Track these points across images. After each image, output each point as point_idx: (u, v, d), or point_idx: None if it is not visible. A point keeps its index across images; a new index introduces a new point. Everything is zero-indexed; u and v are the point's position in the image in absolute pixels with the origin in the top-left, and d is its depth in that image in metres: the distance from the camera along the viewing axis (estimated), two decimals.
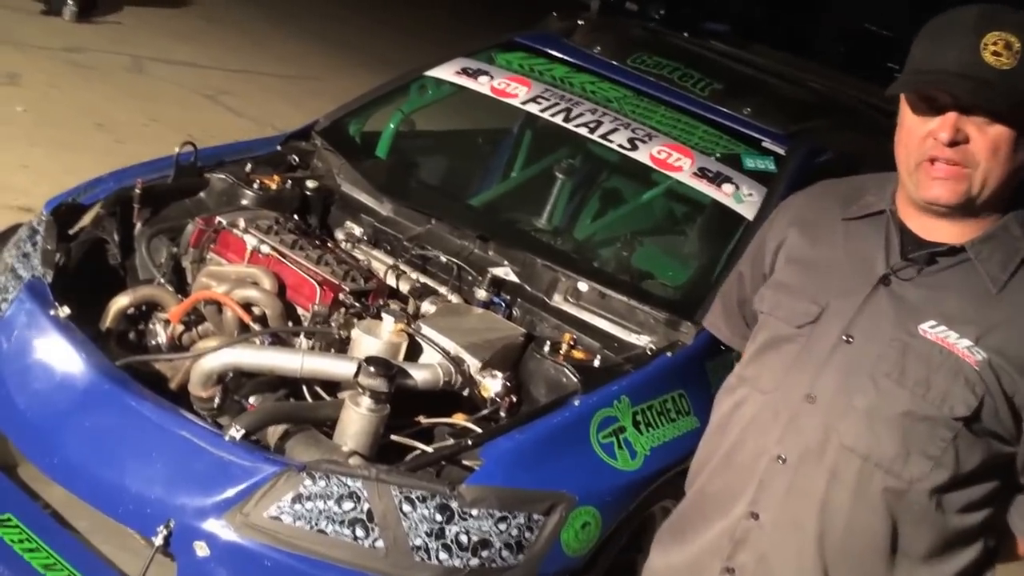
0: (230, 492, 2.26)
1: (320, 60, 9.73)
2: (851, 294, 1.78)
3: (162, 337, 2.80)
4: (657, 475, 2.59)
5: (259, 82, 8.49)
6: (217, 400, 2.62)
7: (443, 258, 3.17)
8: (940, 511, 1.71)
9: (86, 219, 3.06)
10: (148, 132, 6.45)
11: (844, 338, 1.75)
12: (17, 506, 2.55)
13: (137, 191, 3.05)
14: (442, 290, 3.11)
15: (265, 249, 2.89)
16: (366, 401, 2.46)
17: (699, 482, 1.96)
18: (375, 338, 2.67)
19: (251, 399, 2.67)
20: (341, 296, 2.80)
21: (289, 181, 3.34)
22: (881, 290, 1.76)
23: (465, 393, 2.71)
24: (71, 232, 3.01)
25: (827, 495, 1.74)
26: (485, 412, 2.66)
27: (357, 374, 2.48)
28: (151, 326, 2.84)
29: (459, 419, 2.69)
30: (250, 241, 2.91)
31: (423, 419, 2.69)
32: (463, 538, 2.27)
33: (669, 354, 2.82)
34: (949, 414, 1.67)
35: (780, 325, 1.85)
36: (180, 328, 2.82)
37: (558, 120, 3.42)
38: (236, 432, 2.33)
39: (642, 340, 2.93)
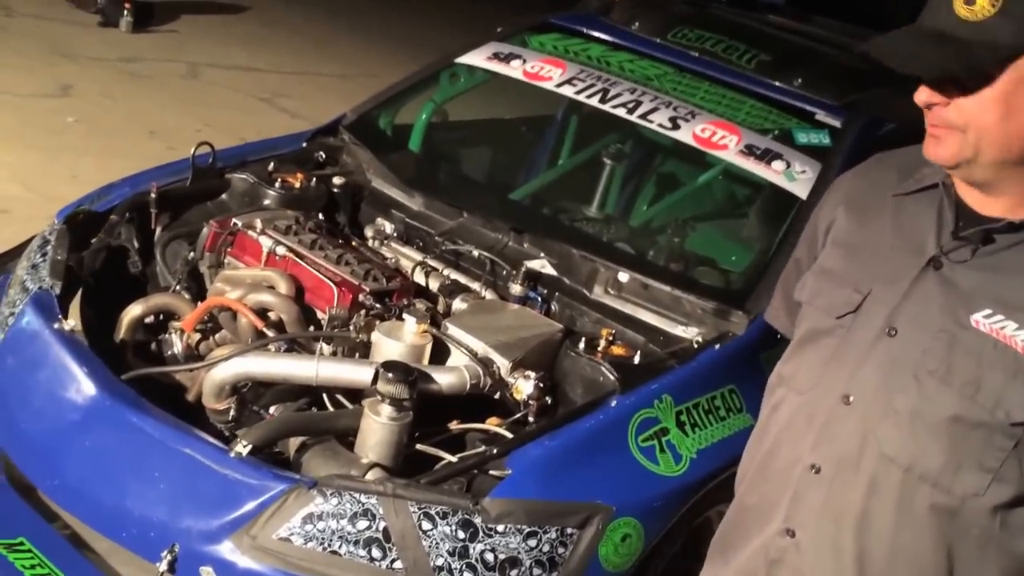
0: (237, 513, 2.07)
1: (377, 57, 9.59)
2: (897, 279, 1.52)
3: (177, 347, 2.63)
4: (706, 479, 2.34)
5: (316, 83, 8.37)
6: (233, 412, 2.44)
7: (476, 253, 2.96)
8: (1007, 533, 1.44)
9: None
10: (201, 137, 6.28)
11: (887, 330, 1.50)
12: (31, 529, 2.39)
13: (152, 195, 2.88)
14: (475, 286, 2.89)
15: (281, 251, 2.69)
16: (386, 409, 2.26)
17: (739, 493, 1.73)
18: (397, 341, 2.46)
19: (271, 409, 2.49)
20: (361, 297, 2.59)
21: (314, 179, 3.15)
22: (930, 274, 1.50)
23: (497, 396, 2.49)
24: (92, 241, 2.86)
25: (866, 512, 1.49)
26: (518, 416, 2.43)
27: (375, 380, 2.28)
28: (167, 335, 2.67)
29: (492, 424, 2.47)
30: (265, 242, 2.72)
31: (454, 425, 2.48)
32: (489, 556, 2.05)
33: (717, 346, 2.56)
34: (1005, 419, 1.40)
35: (819, 316, 1.60)
36: (196, 336, 2.65)
37: (594, 102, 3.17)
38: (243, 448, 2.14)
39: (689, 332, 2.67)
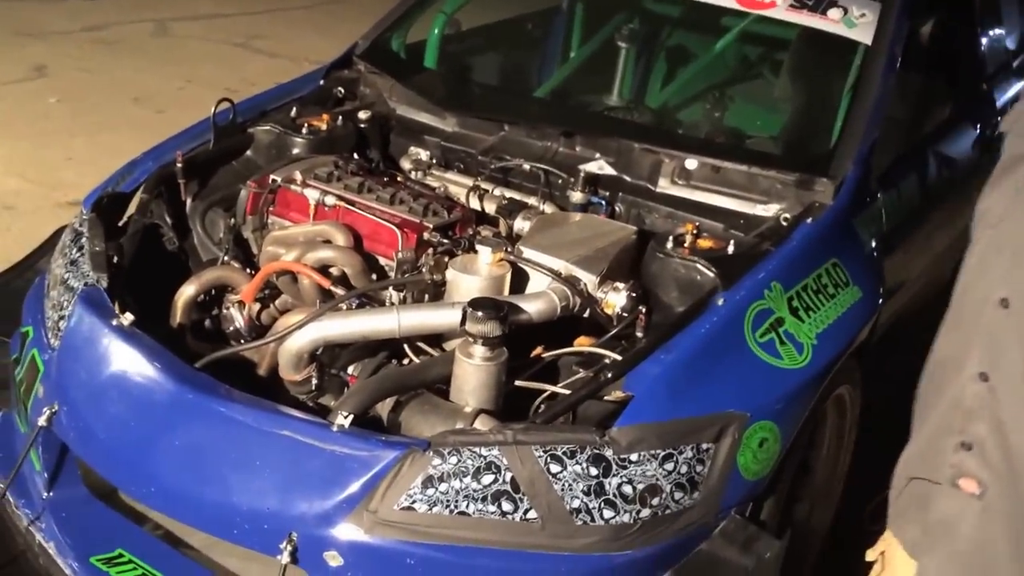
0: (351, 489, 1.89)
1: None
2: None
3: (239, 321, 2.44)
4: (831, 364, 2.17)
5: (286, 18, 8.05)
6: (314, 380, 2.27)
7: (526, 165, 2.75)
8: None
9: (132, 208, 2.71)
10: (185, 95, 6.08)
11: None
12: (125, 537, 2.24)
13: (179, 165, 2.66)
14: (532, 201, 2.69)
15: (330, 200, 2.48)
16: (479, 350, 2.08)
17: (932, 348, 1.56)
18: (473, 275, 2.27)
19: (350, 369, 2.32)
20: (425, 235, 2.39)
21: (340, 117, 2.93)
22: None
23: (587, 314, 2.31)
24: (121, 225, 2.65)
25: None
26: (614, 331, 2.25)
27: (463, 321, 2.09)
28: (225, 311, 2.48)
29: (583, 344, 2.30)
30: (311, 195, 2.50)
31: (543, 352, 2.30)
32: (627, 489, 1.89)
33: (809, 220, 2.37)
34: None
35: (1016, 141, 1.43)
36: (256, 307, 2.46)
37: None
38: (343, 419, 1.97)
39: (770, 210, 2.49)
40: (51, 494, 2.34)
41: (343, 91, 3.10)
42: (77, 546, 2.25)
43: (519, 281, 2.35)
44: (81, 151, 5.13)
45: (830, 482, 2.66)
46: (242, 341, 2.44)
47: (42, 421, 2.23)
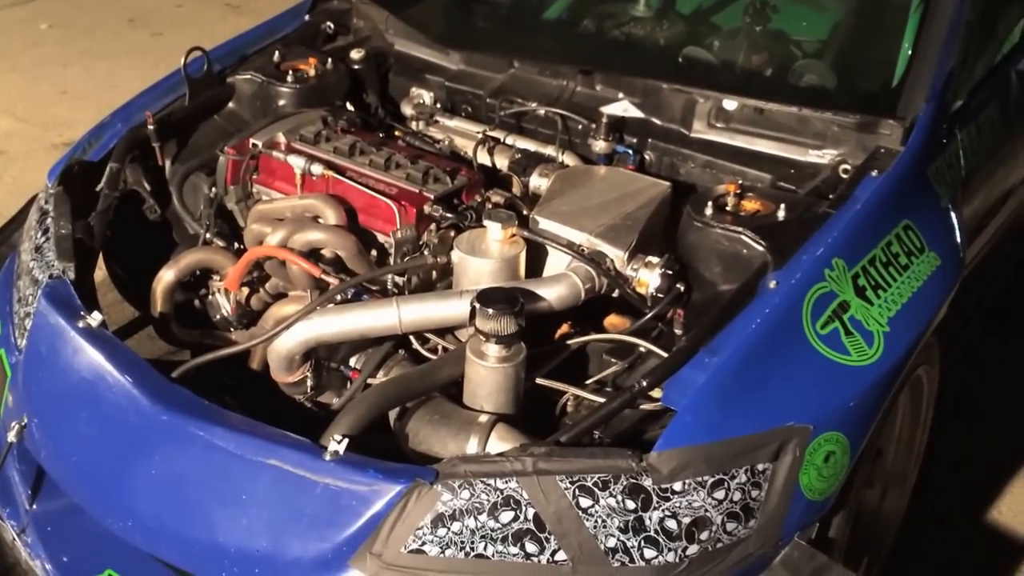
0: (351, 529, 1.59)
1: None
2: None
3: (226, 309, 2.13)
4: (906, 356, 1.81)
5: None
6: (310, 380, 1.96)
7: (541, 111, 2.36)
8: None
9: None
10: (183, 15, 5.63)
11: None
12: (115, 557, 1.93)
13: (150, 127, 2.30)
14: (549, 151, 2.32)
15: (317, 169, 2.12)
16: (493, 348, 1.76)
17: None
18: (483, 257, 1.92)
19: (352, 362, 2.00)
20: (427, 208, 2.03)
21: (329, 60, 2.53)
22: None
23: (616, 294, 1.96)
24: (97, 193, 2.30)
25: None
26: (650, 314, 1.90)
27: (472, 318, 1.76)
28: (210, 297, 2.16)
29: (615, 324, 1.96)
30: (296, 163, 2.14)
31: (568, 330, 1.96)
32: (671, 524, 1.57)
33: (875, 173, 1.97)
34: None
35: None
36: (244, 291, 2.14)
37: None
38: (337, 444, 1.65)
39: (826, 156, 2.11)
40: (34, 507, 2.06)
41: (332, 26, 2.70)
42: (62, 567, 1.99)
43: (536, 254, 2.00)
44: (76, 83, 4.74)
45: (904, 464, 2.33)
46: (231, 330, 2.14)
47: (11, 437, 1.95)
